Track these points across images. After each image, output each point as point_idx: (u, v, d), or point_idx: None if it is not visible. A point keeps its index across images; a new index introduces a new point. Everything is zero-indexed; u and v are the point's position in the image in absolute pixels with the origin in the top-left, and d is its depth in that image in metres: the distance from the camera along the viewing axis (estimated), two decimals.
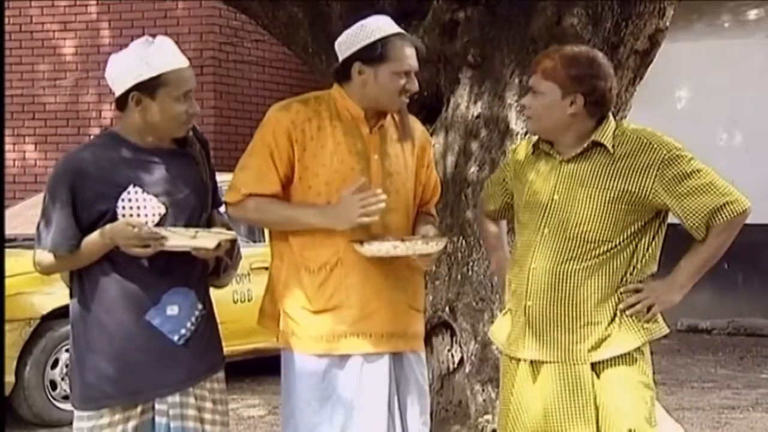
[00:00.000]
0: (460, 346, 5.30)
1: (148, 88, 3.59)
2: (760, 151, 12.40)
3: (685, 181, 3.58)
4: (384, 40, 3.74)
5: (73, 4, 13.21)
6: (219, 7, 12.30)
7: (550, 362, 3.63)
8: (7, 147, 12.81)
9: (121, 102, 3.65)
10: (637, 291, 3.63)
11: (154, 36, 3.71)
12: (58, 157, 4.08)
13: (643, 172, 3.59)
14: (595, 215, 3.60)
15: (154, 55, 3.60)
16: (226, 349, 3.86)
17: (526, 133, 5.06)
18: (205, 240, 3.59)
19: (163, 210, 3.64)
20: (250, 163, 3.78)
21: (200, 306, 3.71)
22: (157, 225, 3.61)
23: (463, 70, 5.50)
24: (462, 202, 5.35)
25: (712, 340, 11.99)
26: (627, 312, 3.62)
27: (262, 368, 8.66)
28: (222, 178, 3.93)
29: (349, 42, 3.78)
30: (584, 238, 3.61)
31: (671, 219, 3.69)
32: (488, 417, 5.15)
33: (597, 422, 3.60)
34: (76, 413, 3.70)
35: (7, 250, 4.86)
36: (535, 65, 3.70)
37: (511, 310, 3.77)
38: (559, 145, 3.70)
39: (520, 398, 3.69)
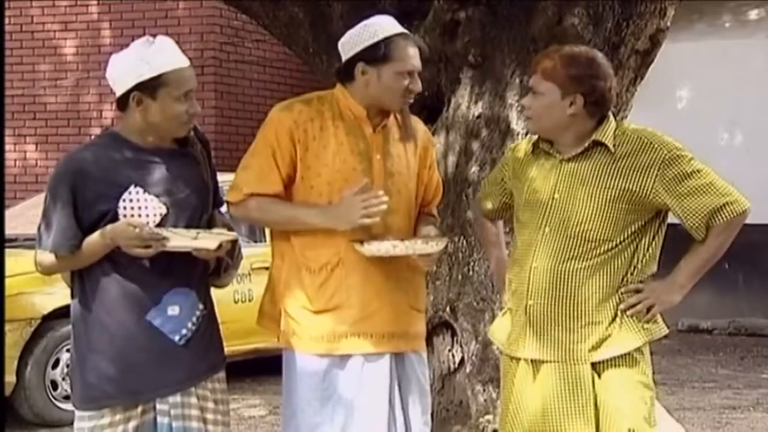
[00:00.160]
0: (461, 346, 5.30)
1: (149, 88, 3.59)
2: (760, 151, 12.40)
3: (686, 181, 3.58)
4: (387, 40, 3.74)
5: (74, 4, 13.21)
6: (220, 7, 12.30)
7: (551, 362, 3.63)
8: (8, 147, 12.82)
9: (122, 102, 3.65)
10: (638, 291, 3.63)
11: (154, 36, 3.71)
12: (59, 158, 4.09)
13: (643, 171, 3.59)
14: (595, 214, 3.60)
15: (155, 55, 3.60)
16: (226, 349, 3.86)
17: (527, 133, 5.05)
18: (206, 241, 3.59)
19: (164, 210, 3.64)
20: (252, 163, 3.78)
21: (201, 306, 3.71)
22: (158, 225, 3.60)
23: (464, 70, 5.50)
24: (463, 202, 5.35)
25: (712, 340, 11.99)
26: (627, 312, 3.62)
27: (262, 368, 8.66)
28: (223, 178, 3.93)
29: (352, 42, 3.78)
30: (585, 237, 3.61)
31: (671, 219, 3.69)
32: (489, 417, 5.15)
33: (597, 422, 3.60)
34: (77, 413, 3.71)
35: (7, 250, 4.87)
36: (534, 65, 3.70)
37: (511, 309, 3.77)
38: (559, 144, 3.70)
39: (520, 398, 3.69)
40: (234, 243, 3.76)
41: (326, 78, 5.71)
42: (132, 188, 3.61)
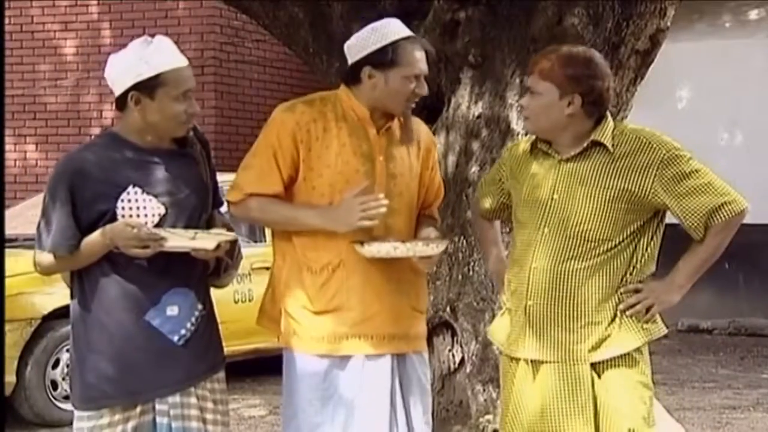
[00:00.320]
0: (461, 346, 5.30)
1: (148, 87, 3.59)
2: (760, 151, 12.40)
3: (684, 180, 3.58)
4: (395, 45, 3.72)
5: (74, 4, 13.21)
6: (220, 7, 12.30)
7: (550, 362, 3.63)
8: (8, 147, 12.82)
9: (121, 102, 3.65)
10: (637, 291, 3.63)
11: (154, 36, 3.71)
12: (59, 157, 4.08)
13: (642, 171, 3.59)
14: (595, 214, 3.60)
15: (153, 55, 3.60)
16: (226, 349, 3.86)
17: (526, 133, 5.05)
18: (204, 241, 3.59)
19: (162, 210, 3.63)
20: (253, 163, 3.78)
21: (200, 306, 3.71)
22: (157, 225, 3.60)
23: (464, 70, 5.50)
24: (463, 202, 5.36)
25: (712, 340, 11.99)
26: (627, 312, 3.62)
27: (262, 368, 8.66)
28: (223, 178, 3.93)
29: (359, 45, 3.76)
30: (584, 237, 3.61)
31: (670, 219, 3.69)
32: (489, 417, 5.15)
33: (596, 422, 3.60)
34: (76, 413, 3.70)
35: (7, 250, 4.86)
36: (532, 66, 3.69)
37: (510, 309, 3.76)
38: (558, 144, 3.70)
39: (519, 398, 3.69)
40: (233, 243, 3.75)
41: (326, 78, 5.72)
42: (131, 188, 3.61)
